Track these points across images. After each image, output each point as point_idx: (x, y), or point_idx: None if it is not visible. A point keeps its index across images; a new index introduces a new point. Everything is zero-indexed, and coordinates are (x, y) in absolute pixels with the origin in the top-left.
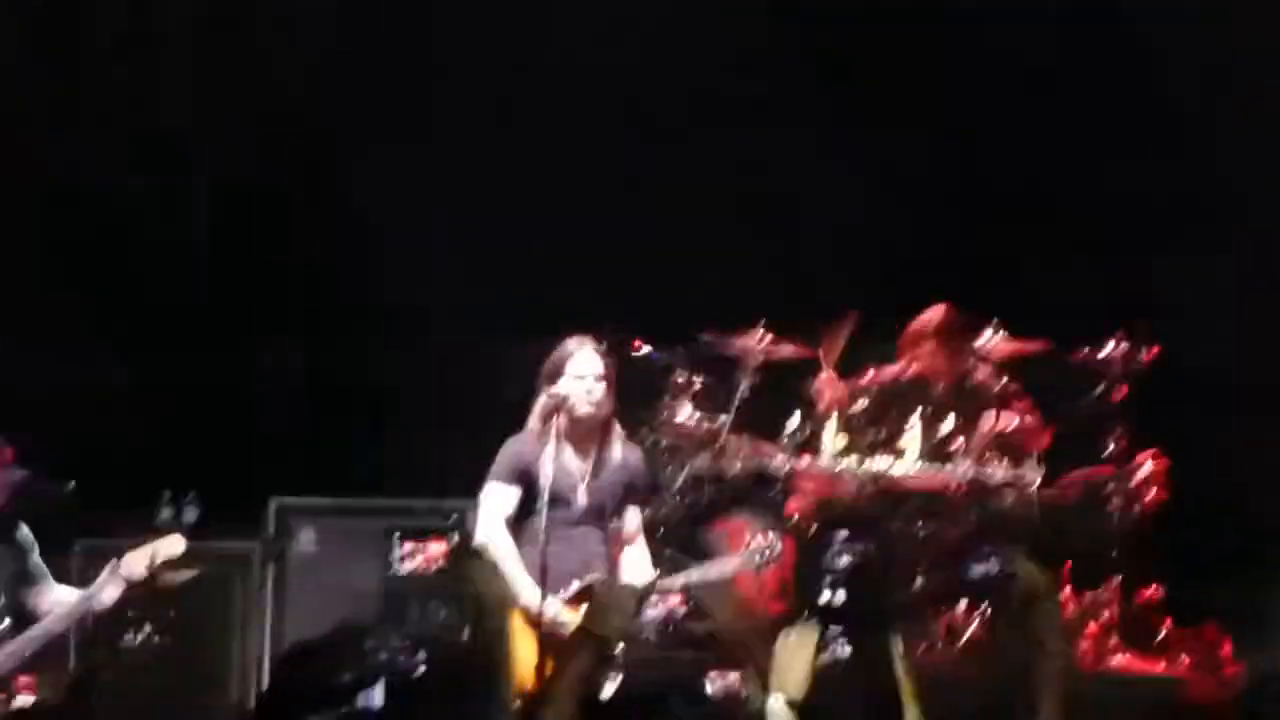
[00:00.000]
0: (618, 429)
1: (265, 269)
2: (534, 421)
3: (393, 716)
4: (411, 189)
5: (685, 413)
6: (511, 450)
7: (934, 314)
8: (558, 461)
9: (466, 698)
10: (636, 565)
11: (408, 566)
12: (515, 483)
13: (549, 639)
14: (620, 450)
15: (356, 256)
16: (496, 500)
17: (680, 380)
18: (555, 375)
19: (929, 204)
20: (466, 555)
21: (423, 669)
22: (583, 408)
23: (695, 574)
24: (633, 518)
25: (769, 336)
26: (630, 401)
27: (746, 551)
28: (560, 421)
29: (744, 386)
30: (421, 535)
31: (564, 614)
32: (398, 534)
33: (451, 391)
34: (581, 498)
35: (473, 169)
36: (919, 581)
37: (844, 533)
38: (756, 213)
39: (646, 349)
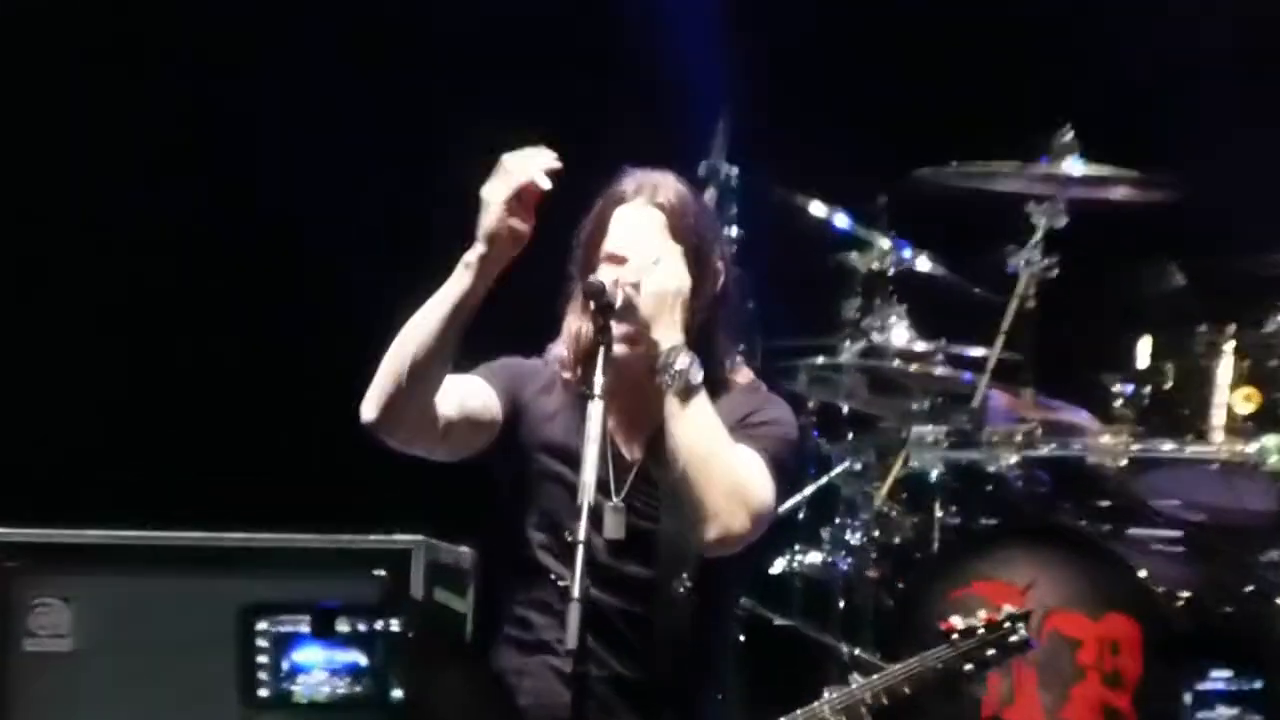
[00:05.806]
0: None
1: None
2: (558, 349)
3: None
4: None
5: (902, 332)
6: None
7: None
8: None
9: None
10: None
11: (301, 684)
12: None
13: None
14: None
15: None
16: None
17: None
18: (591, 253)
19: None
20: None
21: None
22: (618, 341)
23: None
24: None
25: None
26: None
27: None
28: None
29: (1026, 273)
30: (325, 619)
31: None
32: (264, 619)
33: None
34: (611, 525)
35: None
36: None
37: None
38: None
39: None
